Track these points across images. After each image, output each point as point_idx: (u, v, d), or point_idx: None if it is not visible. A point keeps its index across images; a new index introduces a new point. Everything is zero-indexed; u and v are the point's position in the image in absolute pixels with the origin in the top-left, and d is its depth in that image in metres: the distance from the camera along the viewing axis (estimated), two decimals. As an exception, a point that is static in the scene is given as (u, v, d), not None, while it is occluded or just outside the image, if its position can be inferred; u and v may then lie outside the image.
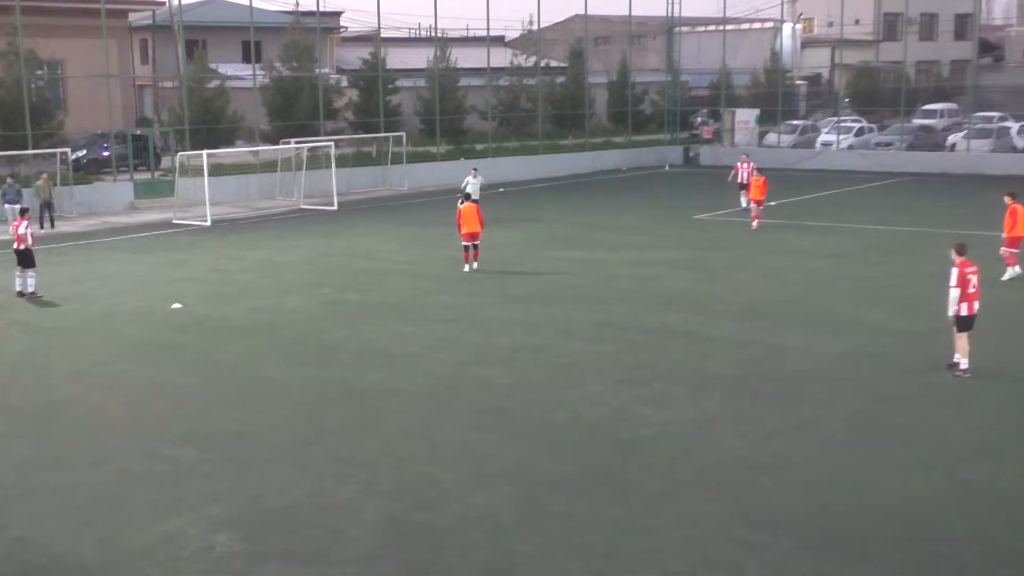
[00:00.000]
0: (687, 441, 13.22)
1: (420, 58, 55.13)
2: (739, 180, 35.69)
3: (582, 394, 15.26)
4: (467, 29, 71.16)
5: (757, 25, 73.68)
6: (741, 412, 14.31)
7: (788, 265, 25.48)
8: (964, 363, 15.51)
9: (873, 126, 58.52)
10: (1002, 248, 23.23)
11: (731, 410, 14.41)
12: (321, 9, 48.90)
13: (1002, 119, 56.39)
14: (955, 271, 15.40)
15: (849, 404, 14.57)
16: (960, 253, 15.55)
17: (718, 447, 12.96)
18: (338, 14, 63.91)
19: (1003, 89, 70.72)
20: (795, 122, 59.95)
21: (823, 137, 55.88)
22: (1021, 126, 52.85)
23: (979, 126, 53.40)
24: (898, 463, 12.30)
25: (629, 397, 15.05)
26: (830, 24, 75.39)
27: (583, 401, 14.94)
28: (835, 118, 58.37)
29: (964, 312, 15.34)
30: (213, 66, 50.24)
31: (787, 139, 56.53)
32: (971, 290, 15.25)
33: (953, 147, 52.16)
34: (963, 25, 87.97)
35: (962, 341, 15.49)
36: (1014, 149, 50.33)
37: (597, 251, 28.10)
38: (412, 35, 75.37)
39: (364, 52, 52.88)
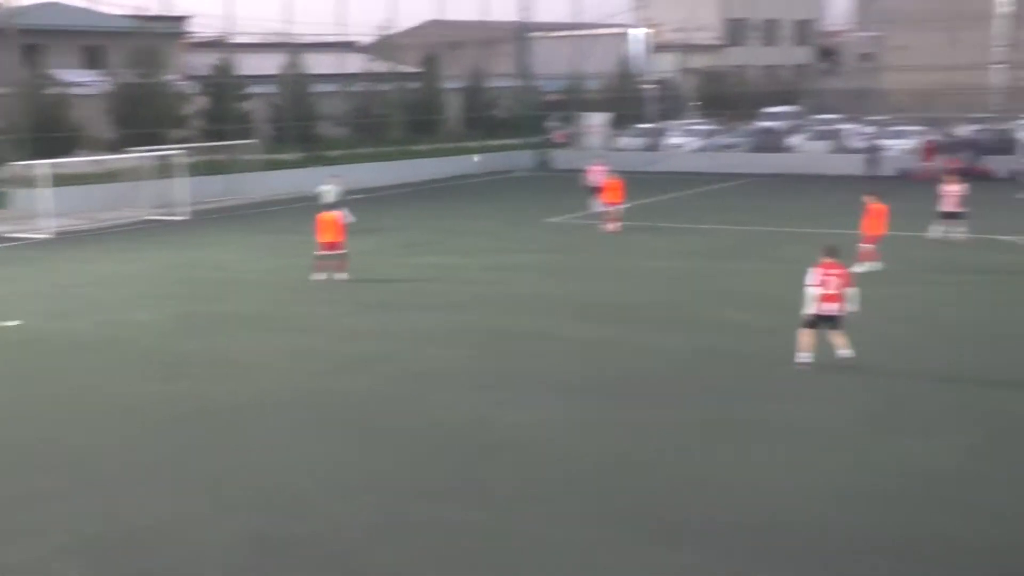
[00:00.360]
0: (547, 444, 13.37)
1: (272, 64, 54.34)
2: (592, 184, 36.19)
3: (440, 400, 15.28)
4: (320, 35, 70.33)
5: (608, 31, 74.98)
6: (599, 413, 14.54)
7: (641, 266, 26.00)
8: (805, 357, 16.05)
9: (720, 128, 60.22)
10: (861, 244, 24.22)
11: (589, 412, 14.63)
12: (168, 14, 47.72)
13: (839, 121, 58.75)
14: (815, 271, 15.89)
15: (705, 402, 14.94)
16: (827, 255, 16.06)
17: (578, 449, 13.14)
18: (186, 19, 62.42)
19: (840, 93, 73.74)
20: (646, 125, 61.20)
21: (672, 140, 57.19)
22: (856, 127, 55.12)
23: (818, 128, 55.46)
24: (751, 459, 12.68)
25: (488, 402, 15.14)
26: (678, 30, 77.26)
27: (441, 408, 14.97)
28: (684, 121, 59.79)
29: (815, 311, 15.86)
30: (52, 72, 48.47)
31: (638, 142, 57.65)
32: (830, 291, 15.69)
33: (794, 148, 54.05)
34: (803, 31, 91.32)
35: (806, 337, 16.05)
36: (850, 150, 52.41)
37: (452, 256, 28.19)
38: (264, 41, 74.10)
39: (213, 58, 51.85)
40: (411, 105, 57.22)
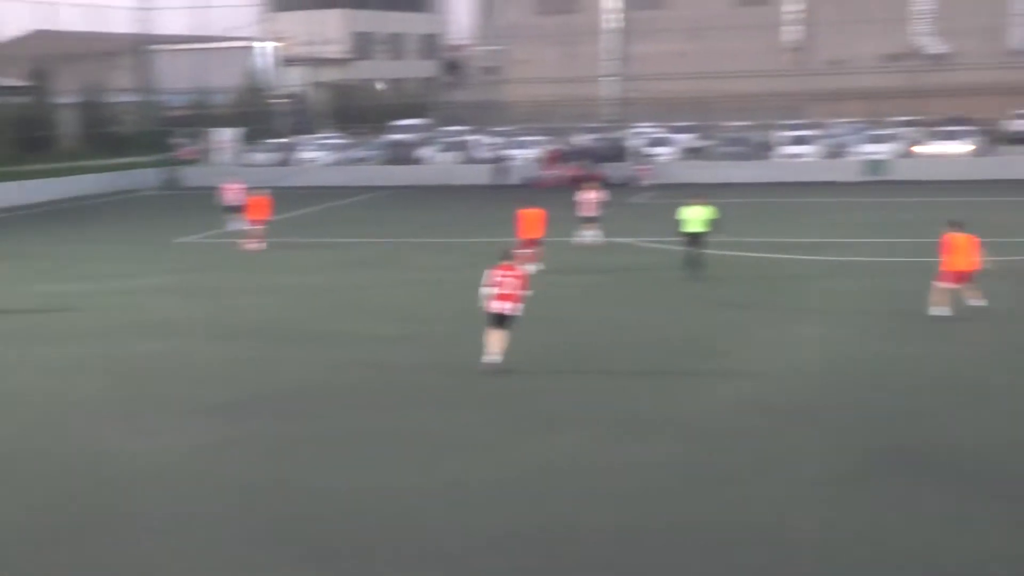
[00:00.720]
0: (179, 471, 12.75)
1: None
2: (229, 202, 35.07)
3: (67, 434, 14.22)
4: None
5: (233, 44, 73.51)
6: (233, 434, 14.05)
7: (277, 283, 25.52)
8: (493, 358, 16.36)
9: (353, 142, 60.52)
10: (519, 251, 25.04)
11: (223, 433, 14.11)
12: None
13: (467, 133, 60.75)
14: (492, 272, 16.41)
15: (342, 414, 14.84)
16: (503, 258, 16.68)
17: (214, 471, 12.64)
18: None
19: (466, 105, 76.31)
20: (277, 140, 60.45)
21: (305, 154, 56.82)
22: (481, 139, 57.20)
23: (447, 140, 57.05)
24: (386, 465, 12.71)
25: (121, 431, 14.24)
26: (305, 43, 77.03)
27: (64, 442, 13.92)
28: (316, 135, 59.58)
29: (495, 309, 16.30)
30: None
31: (270, 157, 56.81)
32: (505, 291, 16.18)
33: (424, 160, 55.28)
34: (428, 45, 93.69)
35: (493, 337, 16.39)
36: (477, 160, 54.28)
37: (77, 283, 26.41)
38: None
39: None
40: (19, 121, 53.31)
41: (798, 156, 49.86)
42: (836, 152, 50.22)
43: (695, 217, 24.39)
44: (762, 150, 52.11)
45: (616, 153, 51.75)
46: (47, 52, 55.53)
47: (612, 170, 49.07)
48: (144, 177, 54.60)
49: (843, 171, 47.74)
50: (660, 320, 20.45)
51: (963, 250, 19.11)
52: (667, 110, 65.02)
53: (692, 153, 53.52)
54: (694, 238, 24.32)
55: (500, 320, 16.38)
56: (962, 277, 19.20)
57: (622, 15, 69.56)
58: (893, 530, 10.58)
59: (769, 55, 52.02)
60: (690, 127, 57.63)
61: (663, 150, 50.59)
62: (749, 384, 15.85)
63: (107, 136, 56.27)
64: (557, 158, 49.39)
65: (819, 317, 20.18)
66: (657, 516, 11.07)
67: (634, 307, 21.72)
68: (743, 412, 14.48)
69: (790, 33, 73.92)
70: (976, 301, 19.28)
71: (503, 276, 16.42)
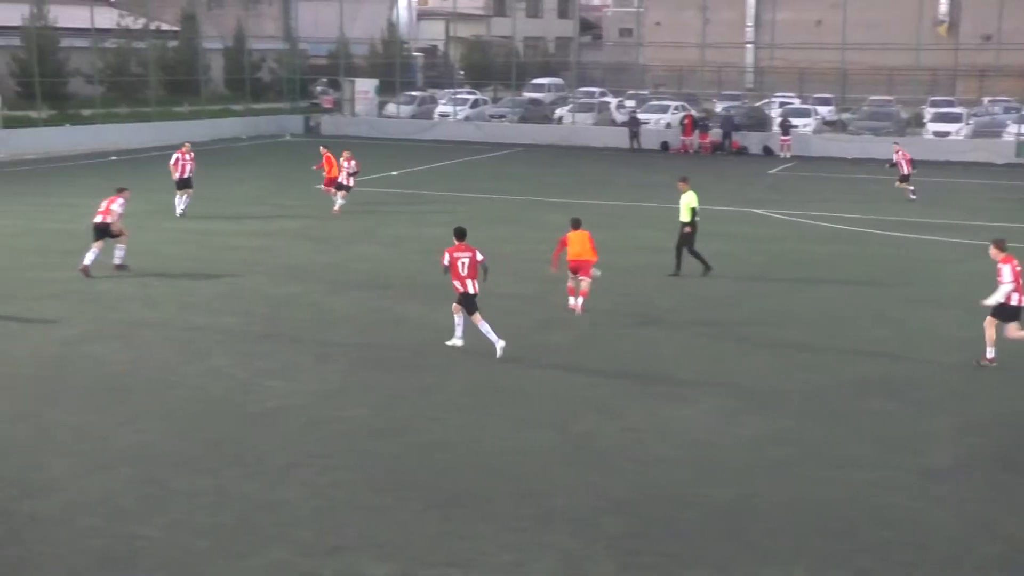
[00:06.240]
0: (313, 411, 13.22)
1: (13, 15, 50.95)
2: (177, 176, 28.13)
3: (205, 368, 14.85)
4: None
5: (374, -5, 74.20)
6: (364, 380, 14.48)
7: (407, 234, 25.94)
8: (456, 341, 15.87)
9: (487, 98, 60.74)
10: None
11: (355, 379, 14.55)
12: None
13: (602, 94, 60.41)
14: (446, 253, 15.63)
15: (466, 368, 15.11)
16: (458, 238, 15.77)
17: (343, 416, 13.05)
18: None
19: (602, 66, 75.78)
20: (413, 93, 61.06)
21: (440, 108, 57.30)
22: (619, 101, 56.82)
23: (582, 100, 56.84)
24: (513, 422, 12.93)
25: (254, 370, 14.81)
26: (446, -2, 77.28)
27: (206, 375, 14.54)
28: (451, 90, 59.97)
29: (460, 290, 15.61)
30: None
31: (406, 110, 57.48)
32: (463, 272, 15.44)
33: (560, 120, 55.18)
34: (565, 4, 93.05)
35: (472, 318, 15.70)
36: (613, 123, 53.99)
37: (217, 222, 27.31)
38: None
39: (-56, 5, 48.19)
40: (169, 64, 54.99)
41: (945, 134, 48.13)
42: (986, 132, 48.23)
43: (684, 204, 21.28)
44: (906, 126, 50.58)
45: (755, 122, 50.90)
46: (196, -3, 57.05)
47: (750, 139, 48.41)
48: (285, 123, 55.92)
49: (994, 152, 45.82)
50: (790, 294, 20.19)
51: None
52: (805, 80, 63.62)
53: (830, 126, 52.27)
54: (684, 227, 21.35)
55: (466, 301, 15.61)
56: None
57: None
58: (1025, 522, 10.37)
59: (916, 27, 50.24)
60: (829, 99, 56.25)
61: (802, 121, 49.49)
62: (877, 365, 15.59)
63: (250, 82, 57.60)
64: (693, 124, 48.78)
65: (956, 302, 19.64)
66: (777, 492, 11.04)
67: (763, 280, 21.46)
68: (871, 393, 14.27)
69: (939, 5, 71.27)
70: None
71: (456, 256, 15.54)
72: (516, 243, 24.93)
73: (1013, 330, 15.50)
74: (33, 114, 46.89)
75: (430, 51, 78.99)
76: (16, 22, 49.63)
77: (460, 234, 15.88)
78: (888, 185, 34.44)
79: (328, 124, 56.39)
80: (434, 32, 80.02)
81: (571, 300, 18.20)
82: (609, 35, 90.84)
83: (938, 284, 21.35)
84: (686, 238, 21.09)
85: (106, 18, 52.92)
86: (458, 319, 15.85)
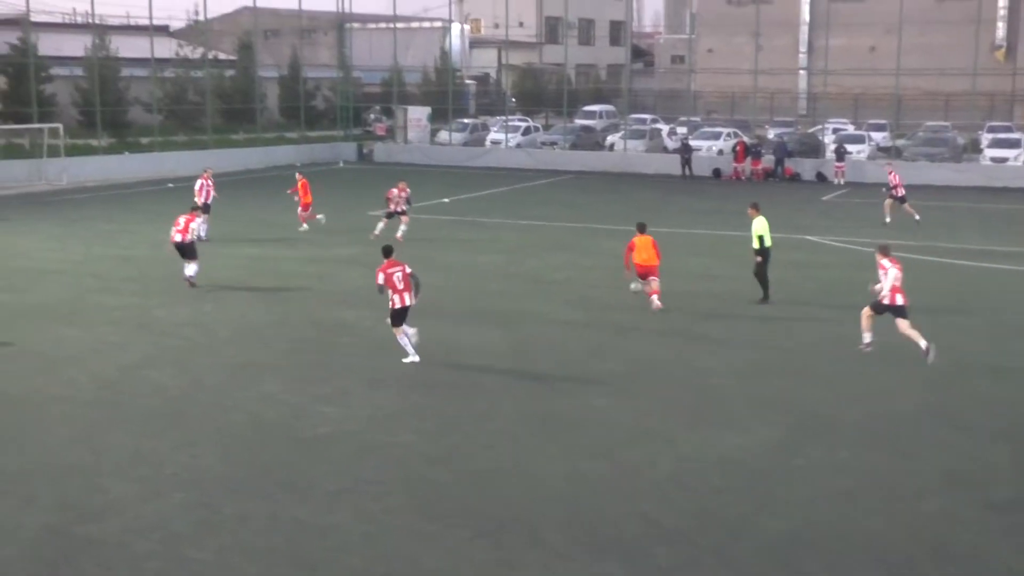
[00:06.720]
0: (365, 437, 13.26)
1: (76, 45, 52.06)
2: (201, 201, 28.30)
3: (258, 394, 14.96)
4: (128, 17, 67.84)
5: (427, 24, 74.97)
6: (417, 406, 14.51)
7: (461, 261, 26.04)
8: (413, 358, 16.39)
9: (539, 125, 60.93)
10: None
11: (407, 404, 14.59)
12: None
13: (654, 121, 60.37)
14: (379, 271, 16.43)
15: (519, 394, 15.10)
16: (385, 255, 16.69)
17: (395, 442, 13.08)
18: (-18, -5, 59.23)
19: (654, 93, 75.79)
20: (465, 120, 61.42)
21: (492, 135, 57.56)
22: (671, 128, 56.72)
23: (634, 127, 56.82)
24: (565, 449, 12.88)
25: (306, 395, 14.90)
26: (496, 25, 77.87)
27: (259, 401, 14.65)
28: (503, 117, 60.31)
29: (397, 305, 16.34)
30: None
31: (458, 137, 57.83)
32: (399, 286, 16.25)
33: (611, 147, 55.18)
34: (617, 31, 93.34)
35: (398, 332, 16.46)
36: (665, 150, 53.89)
37: (270, 247, 27.60)
38: (67, 20, 71.02)
39: (12, 36, 49.28)
40: (226, 93, 55.87)
41: (1003, 160, 47.44)
42: (1047, 158, 47.39)
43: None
44: (963, 152, 49.96)
45: (807, 149, 50.55)
46: (252, 27, 57.78)
47: (803, 165, 48.06)
48: (338, 151, 56.46)
49: (1054, 178, 45.06)
50: (844, 322, 19.94)
51: None
52: (859, 106, 63.11)
53: (885, 152, 51.75)
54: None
55: (401, 315, 16.36)
56: None
57: (817, 7, 67.86)
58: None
59: (973, 52, 49.66)
60: (883, 125, 55.72)
61: (856, 147, 49.05)
62: (935, 394, 15.35)
63: (304, 110, 58.33)
64: (745, 151, 48.54)
65: (1017, 332, 19.30)
66: (833, 524, 10.88)
67: (817, 307, 21.23)
68: (933, 424, 14.05)
69: (996, 29, 70.46)
70: None
71: (389, 272, 16.32)
72: (568, 270, 24.92)
73: (904, 327, 16.86)
74: (94, 142, 47.80)
75: (482, 79, 79.52)
76: (79, 53, 50.70)
77: (387, 251, 16.91)
78: (944, 212, 33.99)
79: (380, 151, 56.88)
80: (486, 60, 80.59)
81: (654, 300, 20.07)
82: (661, 62, 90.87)
83: (998, 312, 21.00)
84: (759, 265, 21.04)
85: (165, 48, 53.88)
86: (402, 340, 16.43)
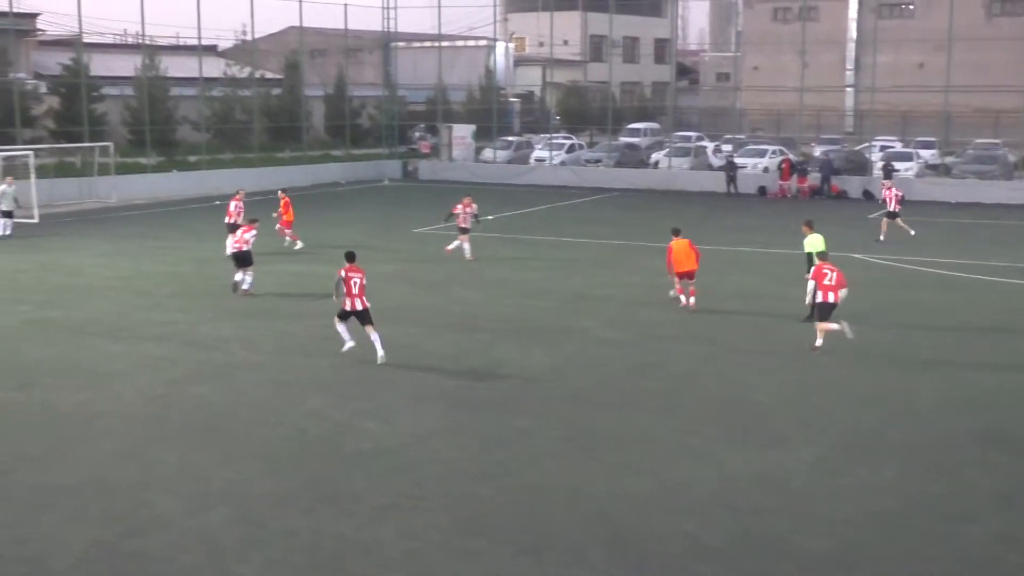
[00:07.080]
0: (408, 453, 13.31)
1: (127, 65, 52.82)
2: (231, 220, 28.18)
3: (302, 409, 15.06)
4: (177, 37, 68.73)
5: (471, 43, 75.29)
6: (461, 422, 14.54)
7: (504, 278, 26.10)
8: (349, 344, 17.78)
9: (583, 143, 60.93)
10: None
11: (450, 421, 14.62)
12: (15, 10, 45.94)
13: (699, 139, 60.17)
14: (339, 274, 17.62)
15: (561, 412, 15.09)
16: (348, 260, 17.89)
17: (438, 458, 13.11)
18: (34, 16, 60.18)
19: (699, 110, 75.63)
20: (510, 138, 61.55)
21: (536, 153, 57.65)
22: (716, 145, 56.48)
23: (679, 145, 56.66)
24: (608, 467, 12.85)
25: (350, 411, 14.99)
26: (540, 44, 78.06)
27: (304, 417, 14.75)
28: (547, 135, 60.36)
29: (347, 307, 17.56)
30: None
31: (503, 155, 57.93)
32: (355, 291, 17.44)
33: (656, 164, 55.04)
34: (662, 49, 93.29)
35: (366, 328, 17.61)
36: (710, 167, 53.68)
37: (315, 264, 27.77)
38: (117, 41, 72.07)
39: (64, 57, 50.14)
40: (273, 111, 56.40)
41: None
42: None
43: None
44: (1013, 169, 49.34)
45: (854, 166, 50.12)
46: (299, 47, 58.36)
47: (850, 184, 47.67)
48: (384, 168, 56.82)
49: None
50: (891, 341, 19.76)
51: None
52: (907, 123, 62.53)
53: (933, 169, 51.24)
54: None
55: (349, 315, 17.59)
56: None
57: (864, 24, 67.39)
58: None
59: (1023, 69, 49.07)
60: (932, 142, 55.16)
61: (904, 165, 48.58)
62: (986, 415, 15.14)
63: (351, 128, 58.75)
64: (791, 168, 48.23)
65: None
66: (878, 544, 10.76)
67: (864, 326, 21.01)
68: (982, 444, 13.86)
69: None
70: None
71: (350, 276, 17.42)
72: (613, 287, 24.89)
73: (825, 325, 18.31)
74: (143, 160, 48.44)
75: (527, 96, 79.68)
76: (129, 72, 51.44)
77: (350, 257, 17.96)
78: (995, 230, 33.56)
79: (425, 169, 57.15)
80: (531, 78, 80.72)
81: (682, 298, 21.55)
82: (706, 79, 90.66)
83: (1048, 331, 20.70)
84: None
85: (213, 67, 54.53)
86: (341, 328, 17.74)
